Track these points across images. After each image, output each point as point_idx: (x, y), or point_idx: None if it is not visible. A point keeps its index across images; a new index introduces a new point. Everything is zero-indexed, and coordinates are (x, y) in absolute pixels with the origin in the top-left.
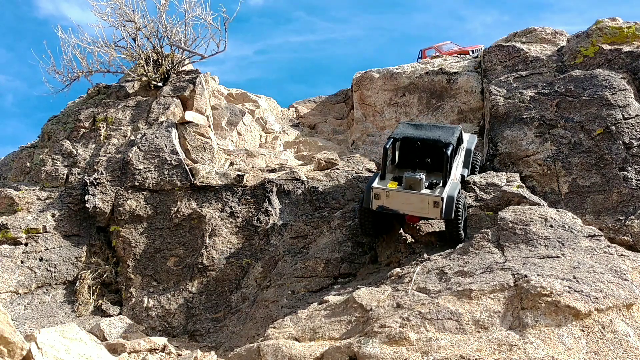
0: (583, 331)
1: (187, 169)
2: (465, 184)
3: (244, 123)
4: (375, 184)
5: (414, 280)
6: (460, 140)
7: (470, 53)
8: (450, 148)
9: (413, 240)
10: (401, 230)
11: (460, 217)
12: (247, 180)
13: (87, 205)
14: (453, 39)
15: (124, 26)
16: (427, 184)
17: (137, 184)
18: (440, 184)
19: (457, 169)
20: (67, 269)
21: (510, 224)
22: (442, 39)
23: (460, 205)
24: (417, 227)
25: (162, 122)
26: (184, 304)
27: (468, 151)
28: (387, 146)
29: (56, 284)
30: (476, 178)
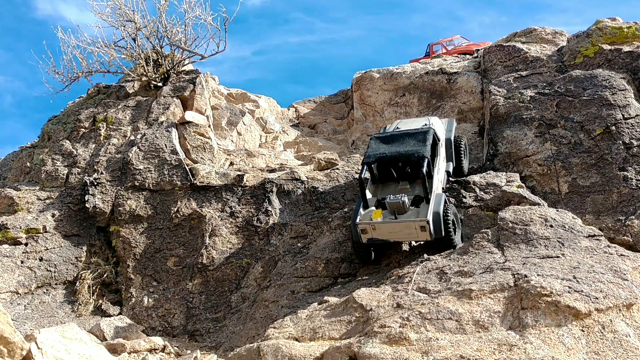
0: (583, 331)
1: (187, 169)
2: (464, 183)
3: (244, 123)
4: (359, 219)
5: (414, 280)
6: (436, 139)
7: (475, 52)
8: (426, 161)
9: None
10: None
11: (451, 231)
12: (247, 180)
13: (87, 205)
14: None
15: (124, 26)
16: (412, 199)
17: (137, 184)
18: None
19: (440, 173)
20: (67, 269)
21: (510, 224)
22: (440, 39)
23: (449, 219)
24: None
25: (162, 122)
26: (184, 304)
27: (448, 141)
28: (362, 175)
29: (56, 284)
30: (476, 178)
